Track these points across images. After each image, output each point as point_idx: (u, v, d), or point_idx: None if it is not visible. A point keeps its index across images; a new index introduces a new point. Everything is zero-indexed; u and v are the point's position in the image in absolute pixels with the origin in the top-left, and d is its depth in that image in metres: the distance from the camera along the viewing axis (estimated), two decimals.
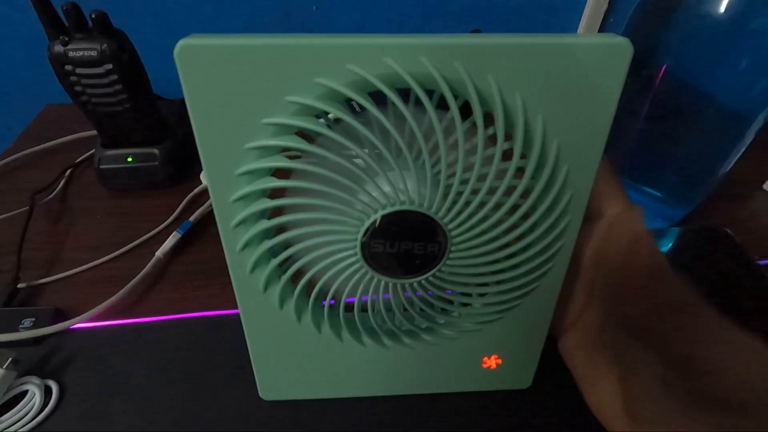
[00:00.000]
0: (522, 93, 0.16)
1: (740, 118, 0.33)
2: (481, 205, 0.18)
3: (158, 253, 0.36)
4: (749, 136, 0.34)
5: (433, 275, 0.19)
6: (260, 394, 0.26)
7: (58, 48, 0.35)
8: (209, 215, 0.40)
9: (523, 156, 0.17)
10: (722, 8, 0.28)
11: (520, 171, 0.17)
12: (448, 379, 0.26)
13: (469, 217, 0.18)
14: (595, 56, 0.16)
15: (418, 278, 0.19)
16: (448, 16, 0.61)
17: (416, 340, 0.23)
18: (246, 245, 0.19)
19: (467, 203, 0.18)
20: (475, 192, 0.17)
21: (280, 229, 0.19)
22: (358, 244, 0.18)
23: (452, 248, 0.18)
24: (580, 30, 0.64)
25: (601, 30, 0.64)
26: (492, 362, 0.25)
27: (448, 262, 0.19)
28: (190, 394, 0.28)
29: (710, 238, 0.39)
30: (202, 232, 0.39)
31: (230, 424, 0.26)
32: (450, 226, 0.18)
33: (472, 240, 0.18)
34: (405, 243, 0.18)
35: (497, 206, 0.18)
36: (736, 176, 0.39)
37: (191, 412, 0.27)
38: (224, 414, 0.27)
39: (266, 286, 0.20)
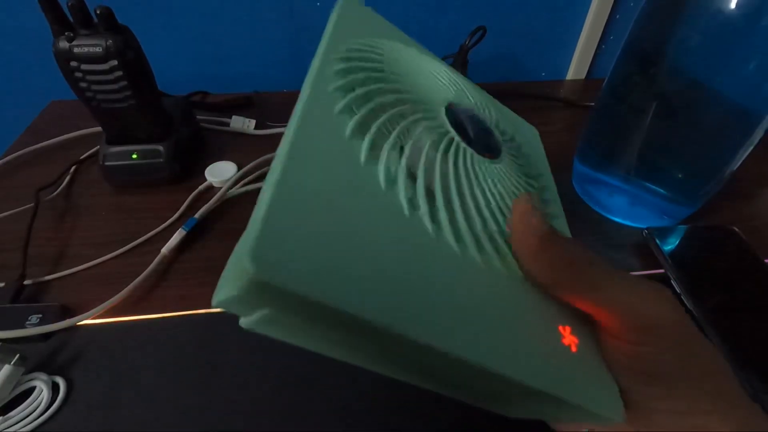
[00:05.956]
0: None
1: (748, 117, 0.32)
2: None
3: (164, 250, 0.36)
4: (757, 135, 0.34)
5: (500, 163, 0.20)
6: (249, 261, 0.11)
7: (63, 44, 0.35)
8: (214, 212, 0.40)
9: None
10: (732, 5, 0.27)
11: None
12: (524, 350, 0.15)
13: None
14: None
15: (493, 162, 0.20)
16: (452, 12, 0.61)
17: (480, 249, 0.17)
18: (341, 87, 0.18)
19: None
20: None
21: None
22: (441, 111, 0.20)
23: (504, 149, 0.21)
24: (585, 27, 0.64)
25: (607, 28, 0.64)
26: (570, 339, 0.17)
27: (504, 159, 0.20)
28: (197, 391, 0.28)
29: (717, 236, 0.39)
30: (208, 228, 0.39)
31: (237, 421, 0.26)
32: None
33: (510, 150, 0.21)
34: (475, 127, 0.20)
35: None
36: (743, 174, 0.39)
37: (197, 409, 0.27)
38: (230, 411, 0.27)
39: (353, 132, 0.16)
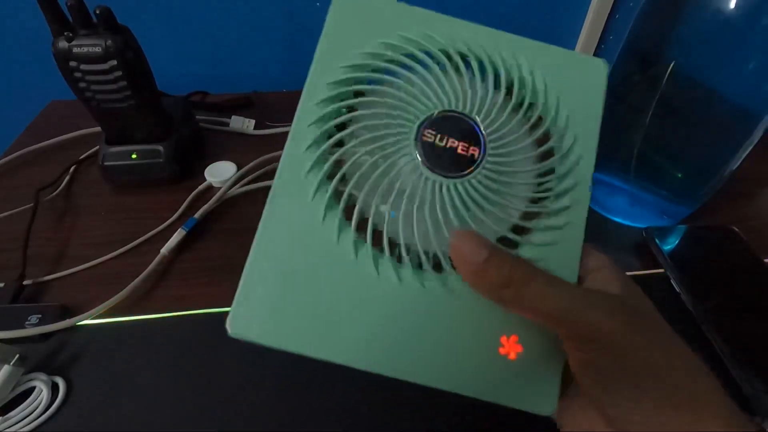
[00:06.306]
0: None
1: (748, 117, 0.32)
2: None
3: (163, 250, 0.36)
4: (757, 135, 0.34)
5: (473, 179, 0.20)
6: (229, 327, 0.19)
7: (63, 44, 0.35)
8: (214, 212, 0.40)
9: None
10: (732, 5, 0.28)
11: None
12: (456, 364, 0.19)
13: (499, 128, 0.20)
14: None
15: (460, 178, 0.20)
16: (452, 12, 0.60)
17: (436, 281, 0.20)
18: (312, 144, 0.20)
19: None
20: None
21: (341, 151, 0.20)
22: (414, 130, 0.20)
23: (489, 153, 0.20)
24: (585, 27, 0.64)
25: (607, 28, 0.64)
26: (511, 347, 0.19)
27: (486, 165, 0.20)
28: (196, 391, 0.28)
29: (716, 235, 0.39)
30: (207, 228, 0.39)
31: (236, 421, 0.26)
32: (487, 131, 0.20)
33: (501, 148, 0.20)
34: (452, 139, 0.20)
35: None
36: (742, 174, 0.39)
37: (197, 409, 0.27)
38: (230, 411, 0.27)
39: (316, 192, 0.19)
